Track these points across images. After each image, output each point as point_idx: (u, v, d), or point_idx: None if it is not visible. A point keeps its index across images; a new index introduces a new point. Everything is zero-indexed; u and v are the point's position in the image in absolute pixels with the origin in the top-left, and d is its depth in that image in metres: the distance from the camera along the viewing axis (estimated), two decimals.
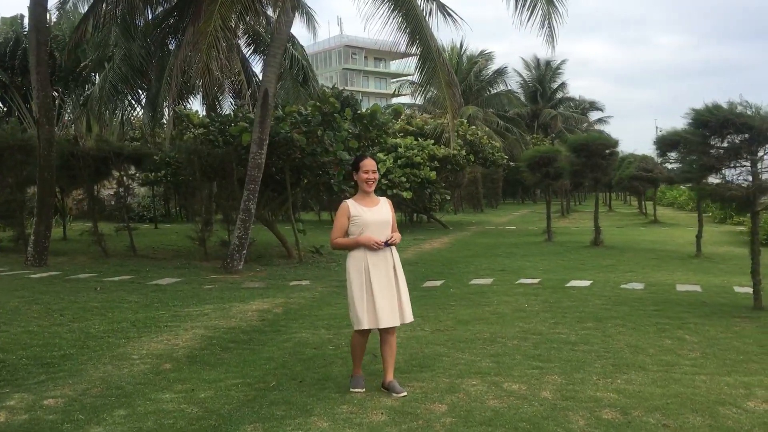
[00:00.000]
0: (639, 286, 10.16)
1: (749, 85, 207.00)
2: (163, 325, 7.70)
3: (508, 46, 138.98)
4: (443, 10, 13.61)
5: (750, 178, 7.82)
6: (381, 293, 4.97)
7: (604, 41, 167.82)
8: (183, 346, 6.69)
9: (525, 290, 9.96)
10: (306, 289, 10.51)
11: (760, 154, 7.59)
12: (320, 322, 7.88)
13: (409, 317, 5.14)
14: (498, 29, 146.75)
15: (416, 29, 11.73)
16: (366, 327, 4.99)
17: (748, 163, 7.70)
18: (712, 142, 8.00)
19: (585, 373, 5.41)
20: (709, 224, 25.13)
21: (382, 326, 5.01)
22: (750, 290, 9.44)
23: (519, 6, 11.76)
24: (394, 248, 5.20)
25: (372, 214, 5.08)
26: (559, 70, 59.15)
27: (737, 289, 9.71)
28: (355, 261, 5.07)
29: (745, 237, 17.88)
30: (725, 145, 7.97)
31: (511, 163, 32.87)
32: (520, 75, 57.69)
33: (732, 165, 7.75)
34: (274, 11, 11.84)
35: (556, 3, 11.69)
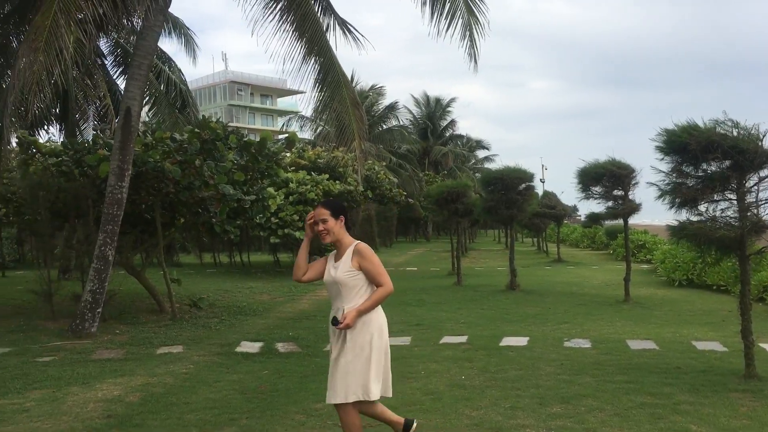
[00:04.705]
0: (585, 343, 8.54)
1: (612, 127, 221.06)
2: None
3: (390, 87, 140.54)
4: (343, 25, 11.83)
5: (733, 213, 6.32)
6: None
7: (482, 85, 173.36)
8: None
9: (454, 353, 8.10)
10: (177, 359, 8.17)
11: (749, 183, 6.12)
12: (192, 416, 5.65)
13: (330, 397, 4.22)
14: (381, 70, 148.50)
15: (315, 36, 9.84)
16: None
17: (734, 196, 6.20)
18: (686, 170, 6.46)
19: None
20: (612, 263, 24.56)
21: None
22: (716, 347, 8.11)
23: (436, 14, 10.13)
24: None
25: (330, 272, 4.25)
26: (449, 108, 59.23)
27: (698, 345, 8.26)
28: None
29: (661, 276, 17.03)
30: (700, 173, 6.45)
31: (410, 200, 31.41)
32: (410, 112, 57.18)
33: (716, 198, 6.22)
34: (138, 11, 9.58)
35: (477, 13, 10.16)
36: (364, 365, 4.14)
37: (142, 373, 7.34)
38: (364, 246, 4.27)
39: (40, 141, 14.39)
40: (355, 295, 4.16)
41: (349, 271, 4.16)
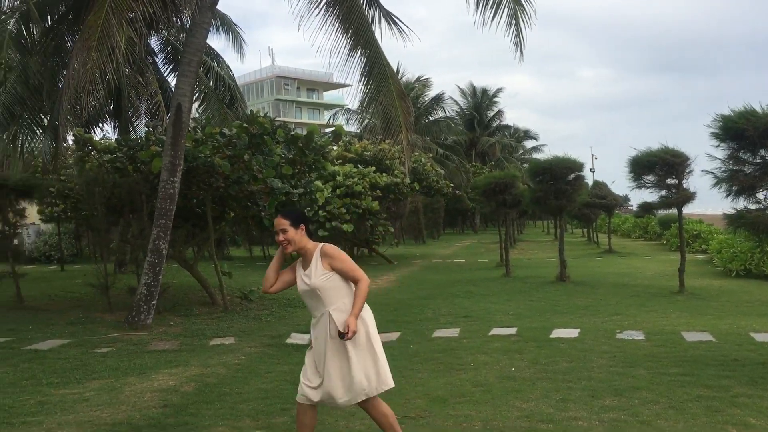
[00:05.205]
0: (638, 335, 8.39)
1: (664, 115, 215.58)
2: (19, 422, 5.43)
3: (436, 79, 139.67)
4: (388, 17, 11.81)
5: None
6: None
7: (529, 75, 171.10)
8: None
9: (503, 345, 8.05)
10: (229, 350, 8.32)
11: None
12: (244, 407, 5.75)
13: None
14: (427, 62, 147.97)
15: (361, 29, 9.85)
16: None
17: None
18: (743, 157, 6.28)
19: None
20: (666, 253, 24.06)
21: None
22: None
23: (482, 4, 10.03)
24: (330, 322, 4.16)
25: (305, 281, 4.20)
26: (495, 98, 58.63)
27: (757, 337, 8.03)
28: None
29: (717, 267, 16.61)
30: (758, 160, 6.26)
31: (457, 192, 31.25)
32: (457, 103, 56.85)
33: None
34: (187, 9, 9.75)
35: (523, 2, 10.02)
36: (373, 357, 4.18)
37: (195, 364, 7.50)
38: (330, 247, 4.23)
39: (96, 138, 14.82)
40: (337, 295, 4.15)
41: (323, 275, 4.13)
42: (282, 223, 4.19)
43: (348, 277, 4.18)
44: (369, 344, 4.18)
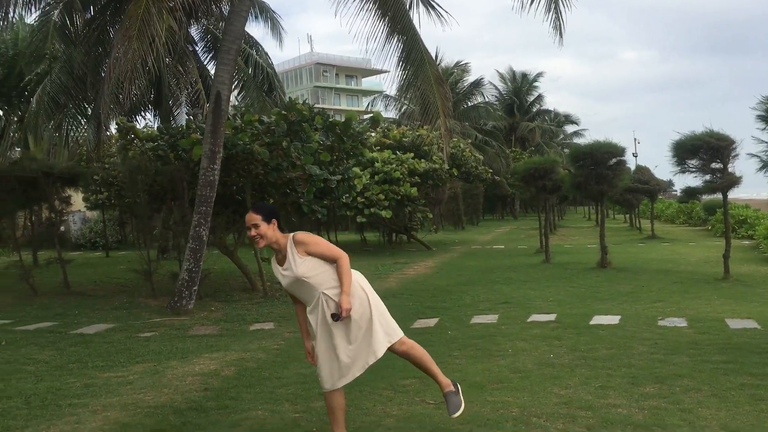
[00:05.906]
0: (680, 322, 8.24)
1: (709, 97, 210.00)
2: (66, 404, 5.58)
3: (475, 64, 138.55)
4: (426, 2, 11.72)
5: None
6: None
7: (570, 58, 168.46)
8: None
9: (542, 331, 7.98)
10: (269, 335, 8.43)
11: None
12: (283, 391, 5.82)
13: None
14: (465, 47, 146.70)
15: (398, 14, 9.81)
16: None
17: None
18: None
19: None
20: (710, 239, 23.56)
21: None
22: None
23: None
24: (327, 302, 4.19)
25: (287, 275, 4.20)
26: (536, 83, 57.87)
27: None
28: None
29: (764, 253, 16.21)
30: None
31: (496, 177, 31.03)
32: (496, 88, 56.25)
33: None
34: None
35: None
36: (377, 317, 4.25)
37: (236, 349, 7.61)
38: (300, 234, 4.24)
39: (138, 127, 15.09)
40: (325, 274, 4.18)
41: (303, 262, 4.14)
42: (254, 218, 4.18)
43: (326, 259, 4.21)
44: (370, 309, 4.25)
